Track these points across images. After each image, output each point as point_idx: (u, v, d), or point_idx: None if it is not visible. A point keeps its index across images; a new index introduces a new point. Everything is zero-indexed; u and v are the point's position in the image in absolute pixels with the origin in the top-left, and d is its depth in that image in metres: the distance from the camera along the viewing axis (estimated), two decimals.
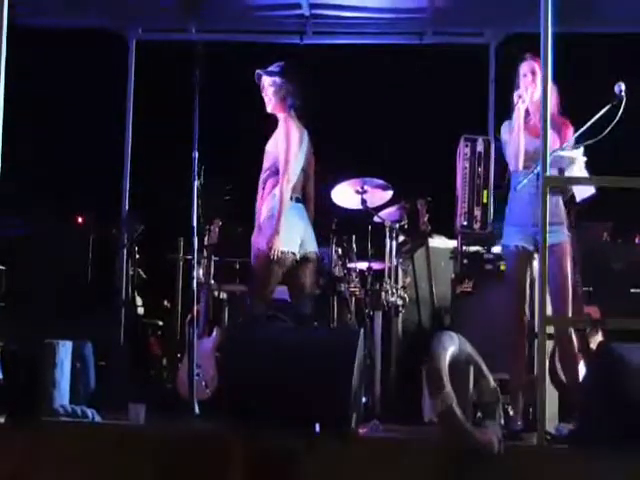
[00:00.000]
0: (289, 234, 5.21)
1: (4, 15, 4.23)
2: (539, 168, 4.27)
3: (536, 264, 4.71)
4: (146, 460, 3.84)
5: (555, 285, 4.63)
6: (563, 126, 4.85)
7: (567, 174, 4.71)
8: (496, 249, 5.51)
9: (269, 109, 5.47)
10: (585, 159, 4.74)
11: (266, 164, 5.39)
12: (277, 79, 5.42)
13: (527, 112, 4.90)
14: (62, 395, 4.35)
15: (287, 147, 5.30)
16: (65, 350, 4.42)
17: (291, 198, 5.28)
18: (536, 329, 4.26)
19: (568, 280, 4.72)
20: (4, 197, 4.19)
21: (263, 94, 5.46)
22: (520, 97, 4.86)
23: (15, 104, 4.37)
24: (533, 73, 4.87)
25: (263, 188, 5.36)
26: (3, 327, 4.99)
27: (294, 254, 5.23)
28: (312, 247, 5.33)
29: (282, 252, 5.16)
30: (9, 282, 5.43)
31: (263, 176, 5.39)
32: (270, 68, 5.49)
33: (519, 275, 4.77)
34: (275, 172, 5.32)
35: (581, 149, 4.73)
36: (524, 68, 4.92)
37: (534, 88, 4.86)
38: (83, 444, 3.92)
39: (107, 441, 3.97)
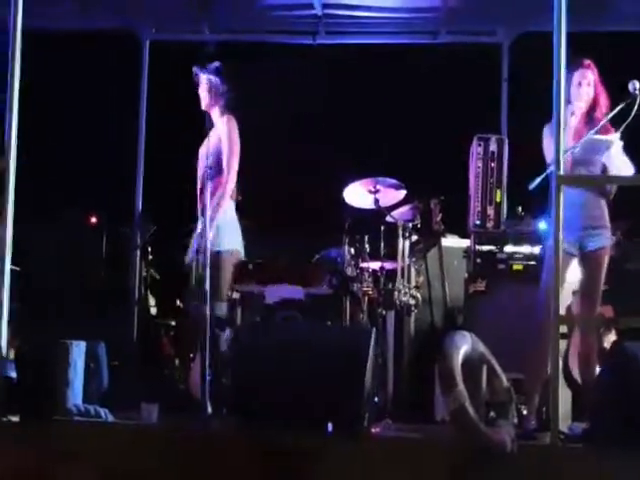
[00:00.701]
0: (237, 233, 5.36)
1: (19, 18, 4.24)
2: (552, 167, 4.25)
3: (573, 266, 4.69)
4: (158, 460, 3.85)
5: (587, 289, 4.63)
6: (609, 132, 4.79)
7: (605, 159, 4.68)
8: (509, 248, 5.49)
9: (203, 106, 5.48)
10: (622, 143, 4.70)
11: (206, 162, 5.33)
12: (213, 78, 5.43)
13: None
14: (75, 395, 4.35)
15: (231, 147, 5.35)
16: (78, 350, 4.42)
17: (230, 197, 5.40)
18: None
19: (600, 286, 4.70)
20: (19, 197, 4.20)
21: (199, 91, 5.46)
22: (573, 113, 4.77)
23: (29, 105, 4.39)
24: (585, 83, 4.81)
25: (203, 186, 5.32)
26: (17, 327, 5.01)
27: (240, 252, 5.38)
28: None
29: (237, 251, 5.31)
30: (23, 282, 5.44)
31: (202, 174, 5.35)
32: (208, 67, 5.50)
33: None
34: (218, 171, 5.33)
35: (618, 133, 4.69)
36: (577, 77, 4.82)
37: (585, 97, 4.80)
38: (96, 443, 3.93)
39: (120, 440, 3.98)
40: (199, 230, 5.24)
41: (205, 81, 5.44)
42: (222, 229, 5.27)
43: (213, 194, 5.18)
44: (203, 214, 5.17)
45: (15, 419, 4.08)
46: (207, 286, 4.90)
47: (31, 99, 4.42)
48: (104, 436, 4.03)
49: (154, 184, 7.27)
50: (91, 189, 7.39)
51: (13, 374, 4.30)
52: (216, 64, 5.48)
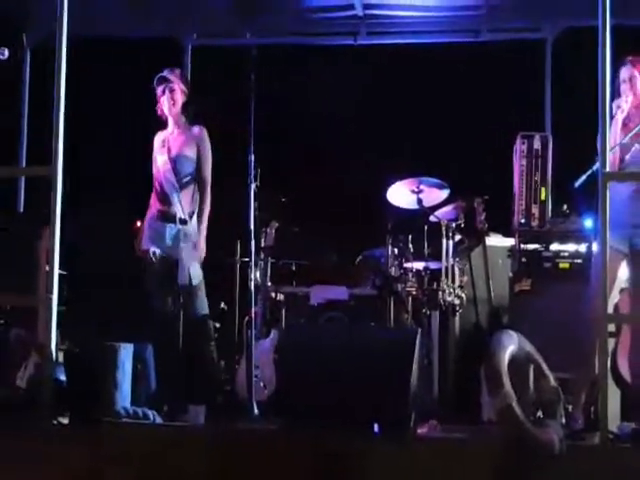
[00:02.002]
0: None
1: (64, 27, 4.29)
2: (597, 164, 4.20)
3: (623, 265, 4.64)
4: (206, 461, 3.87)
5: (636, 287, 4.57)
6: None
7: None
8: (554, 247, 5.44)
9: (167, 111, 5.44)
10: None
11: (186, 169, 5.37)
12: (183, 86, 5.44)
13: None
14: (124, 397, 4.38)
15: (208, 158, 5.39)
16: (126, 352, 4.46)
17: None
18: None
19: None
20: (65, 202, 4.25)
21: (168, 97, 5.41)
22: (619, 107, 4.72)
23: (75, 112, 4.44)
24: (631, 79, 4.76)
25: (162, 190, 5.36)
26: (66, 330, 5.08)
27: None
28: None
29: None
30: (70, 286, 5.51)
31: (178, 180, 5.35)
32: (175, 72, 5.50)
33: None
34: (193, 179, 5.35)
35: None
36: (624, 74, 4.76)
37: (632, 94, 4.75)
38: (144, 445, 3.96)
39: (168, 442, 4.01)
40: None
41: (177, 87, 5.44)
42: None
43: (188, 203, 5.28)
44: (175, 221, 5.25)
45: (65, 421, 4.13)
46: (252, 286, 4.92)
47: (76, 106, 4.48)
48: (152, 438, 4.06)
49: None
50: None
51: (62, 377, 4.35)
52: (178, 70, 5.56)
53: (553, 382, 4.21)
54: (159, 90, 5.42)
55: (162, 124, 5.55)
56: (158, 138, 5.51)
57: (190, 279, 5.16)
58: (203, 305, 5.31)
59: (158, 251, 5.29)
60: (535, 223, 5.54)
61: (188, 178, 5.36)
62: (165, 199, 5.34)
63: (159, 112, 5.48)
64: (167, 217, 5.32)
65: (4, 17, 7.02)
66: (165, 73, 5.44)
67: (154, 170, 5.45)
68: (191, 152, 5.38)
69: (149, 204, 5.51)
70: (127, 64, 7.65)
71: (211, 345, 5.32)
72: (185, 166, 5.35)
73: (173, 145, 5.41)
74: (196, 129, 5.45)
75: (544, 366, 4.21)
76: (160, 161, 5.40)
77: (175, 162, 5.34)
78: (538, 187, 5.58)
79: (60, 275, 4.28)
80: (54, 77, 4.23)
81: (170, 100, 5.41)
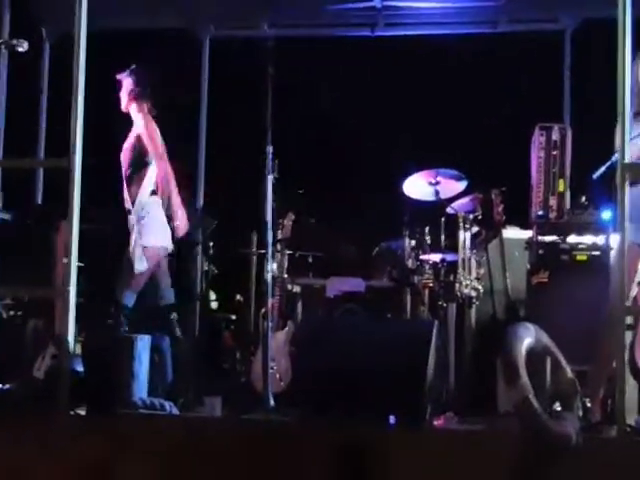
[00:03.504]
0: (165, 229, 5.37)
1: (83, 18, 4.29)
2: (616, 155, 4.17)
3: None
4: (222, 452, 3.88)
5: None
6: None
7: None
8: (572, 239, 5.40)
9: (123, 107, 5.58)
10: None
11: (127, 162, 5.44)
12: (131, 80, 5.53)
13: None
14: (140, 388, 4.40)
15: (156, 145, 5.40)
16: (143, 343, 4.47)
17: (155, 193, 5.41)
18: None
19: None
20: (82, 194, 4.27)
21: (120, 94, 5.57)
22: None
23: (94, 106, 4.45)
24: None
25: (129, 184, 5.42)
26: (83, 322, 5.10)
27: (166, 249, 5.41)
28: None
29: (164, 248, 5.35)
30: (87, 278, 5.54)
31: (126, 173, 5.44)
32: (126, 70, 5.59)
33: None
34: (139, 167, 5.38)
35: None
36: None
37: None
38: (161, 436, 3.98)
39: (184, 433, 4.02)
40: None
41: (125, 83, 5.56)
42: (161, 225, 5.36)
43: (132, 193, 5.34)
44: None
45: (82, 412, 4.15)
46: (269, 278, 4.92)
47: (93, 98, 4.48)
48: (169, 429, 4.07)
49: (214, 180, 7.33)
50: None
51: (80, 368, 4.38)
52: (132, 67, 5.61)
53: (570, 374, 4.19)
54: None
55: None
56: None
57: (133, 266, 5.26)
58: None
59: None
60: (553, 215, 5.51)
61: (130, 170, 5.42)
62: None
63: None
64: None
65: (23, 10, 7.06)
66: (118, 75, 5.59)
67: None
68: (128, 143, 5.47)
69: None
70: (145, 57, 7.67)
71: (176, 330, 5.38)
72: (126, 159, 5.45)
73: (130, 139, 5.53)
74: (139, 116, 5.51)
75: (561, 358, 4.19)
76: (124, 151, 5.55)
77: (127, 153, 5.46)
78: (556, 179, 5.55)
79: (77, 267, 4.29)
80: (72, 70, 4.24)
81: (121, 98, 5.56)
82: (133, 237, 5.29)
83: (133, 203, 5.37)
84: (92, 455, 3.82)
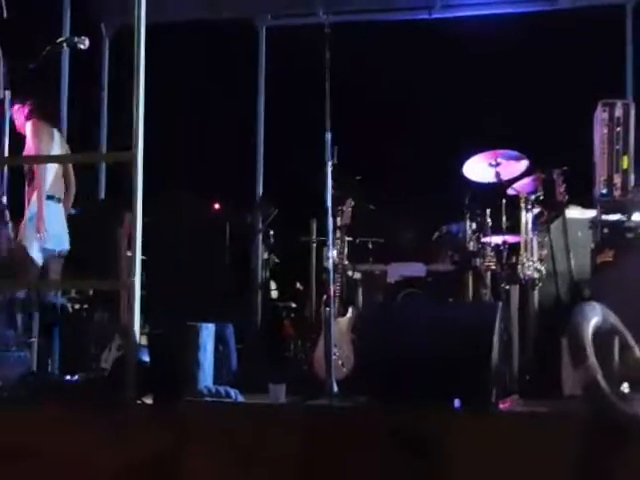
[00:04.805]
0: (48, 233, 5.48)
1: (142, 13, 4.33)
2: None
3: None
4: (288, 439, 3.90)
5: None
6: None
7: None
8: (637, 216, 5.30)
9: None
10: None
11: (26, 167, 5.58)
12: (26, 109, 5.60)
13: None
14: (206, 376, 4.44)
15: (36, 151, 5.49)
16: (208, 332, 4.51)
17: (51, 198, 5.55)
18: None
19: None
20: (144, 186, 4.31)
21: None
22: None
23: (152, 97, 4.49)
24: None
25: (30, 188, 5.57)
26: (148, 313, 5.17)
27: (54, 250, 5.54)
28: (66, 245, 5.63)
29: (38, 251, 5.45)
30: (151, 269, 5.61)
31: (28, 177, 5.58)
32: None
33: None
34: (33, 176, 5.51)
35: None
36: None
37: None
38: (227, 423, 4.01)
39: (250, 420, 4.04)
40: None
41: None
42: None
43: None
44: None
45: (148, 401, 4.21)
46: (330, 265, 4.92)
47: (153, 92, 4.53)
48: (235, 416, 4.10)
49: (274, 168, 7.35)
50: (213, 176, 7.55)
51: (146, 358, 4.44)
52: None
53: (639, 354, 4.11)
54: None
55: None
56: None
57: None
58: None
59: None
60: (617, 193, 5.42)
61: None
62: None
63: None
64: None
65: (83, 8, 7.16)
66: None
67: None
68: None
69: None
70: (202, 48, 7.73)
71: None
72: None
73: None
74: (28, 124, 5.63)
75: (629, 338, 4.11)
76: None
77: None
78: (620, 156, 5.45)
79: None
80: (132, 64, 4.27)
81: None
82: None
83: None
84: (159, 443, 3.87)
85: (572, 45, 7.17)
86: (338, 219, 5.92)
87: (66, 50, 6.30)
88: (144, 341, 4.53)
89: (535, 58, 7.26)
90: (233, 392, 4.45)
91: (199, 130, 7.88)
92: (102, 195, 7.48)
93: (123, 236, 5.94)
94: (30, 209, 5.56)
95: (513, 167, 5.85)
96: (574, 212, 5.88)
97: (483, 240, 5.76)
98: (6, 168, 5.13)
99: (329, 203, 5.00)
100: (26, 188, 5.63)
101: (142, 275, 4.19)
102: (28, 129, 5.64)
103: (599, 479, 3.56)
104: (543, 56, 7.24)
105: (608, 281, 5.22)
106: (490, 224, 5.80)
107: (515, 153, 5.83)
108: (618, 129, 5.46)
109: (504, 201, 5.81)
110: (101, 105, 7.59)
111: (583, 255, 5.63)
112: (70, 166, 5.84)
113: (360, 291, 5.84)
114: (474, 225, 5.79)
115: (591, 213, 5.63)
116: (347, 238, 5.99)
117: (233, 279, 6.52)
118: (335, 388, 4.65)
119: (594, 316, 3.94)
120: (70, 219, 5.84)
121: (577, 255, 5.74)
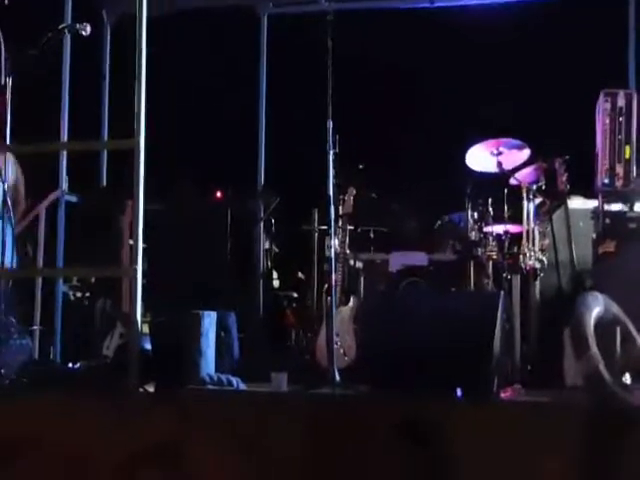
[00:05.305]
0: None
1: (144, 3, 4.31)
2: None
3: None
4: (290, 427, 3.91)
5: None
6: None
7: None
8: (639, 206, 5.30)
9: None
10: None
11: None
12: None
13: None
14: (208, 364, 4.45)
15: None
16: (210, 320, 4.51)
17: None
18: None
19: None
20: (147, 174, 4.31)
21: None
22: None
23: (154, 85, 4.48)
24: None
25: None
26: (150, 301, 5.17)
27: None
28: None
29: None
30: (153, 258, 5.61)
31: None
32: None
33: None
34: None
35: None
36: None
37: None
38: (229, 412, 4.01)
39: (252, 409, 4.05)
40: None
41: None
42: None
43: None
44: None
45: (150, 389, 4.21)
46: (332, 253, 4.92)
47: (154, 79, 4.52)
48: (237, 404, 4.11)
49: (276, 157, 7.34)
50: (215, 164, 7.53)
51: (148, 346, 4.44)
52: None
53: None
54: None
55: None
56: None
57: None
58: None
59: None
60: (619, 183, 5.41)
61: None
62: None
63: None
64: None
65: None
66: None
67: None
68: None
69: None
70: (204, 36, 7.71)
71: None
72: None
73: None
74: None
75: (632, 328, 4.12)
76: None
77: None
78: (622, 145, 5.44)
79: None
80: (134, 51, 4.26)
81: None
82: None
83: None
84: (161, 431, 3.88)
85: (575, 34, 7.15)
86: (340, 208, 5.93)
87: (67, 37, 6.29)
88: (146, 329, 4.53)
89: (537, 47, 7.24)
90: (235, 380, 4.46)
91: (200, 118, 7.86)
92: (104, 183, 7.47)
93: (125, 224, 5.93)
94: None
95: (515, 156, 5.85)
96: (576, 202, 5.88)
97: (485, 229, 5.76)
98: None
99: (331, 192, 5.00)
100: None
101: (144, 263, 4.19)
102: None
103: (600, 469, 3.57)
104: (545, 45, 7.22)
105: (610, 271, 5.23)
106: (492, 213, 5.81)
107: (517, 142, 5.82)
108: (620, 119, 5.45)
109: (506, 190, 5.81)
110: (102, 92, 7.57)
111: (585, 245, 5.63)
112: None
113: (362, 280, 5.84)
114: (476, 214, 5.79)
115: (593, 203, 5.62)
116: (349, 227, 5.99)
117: (235, 268, 6.52)
118: (337, 377, 4.65)
119: (596, 306, 3.95)
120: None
121: (579, 245, 5.74)
